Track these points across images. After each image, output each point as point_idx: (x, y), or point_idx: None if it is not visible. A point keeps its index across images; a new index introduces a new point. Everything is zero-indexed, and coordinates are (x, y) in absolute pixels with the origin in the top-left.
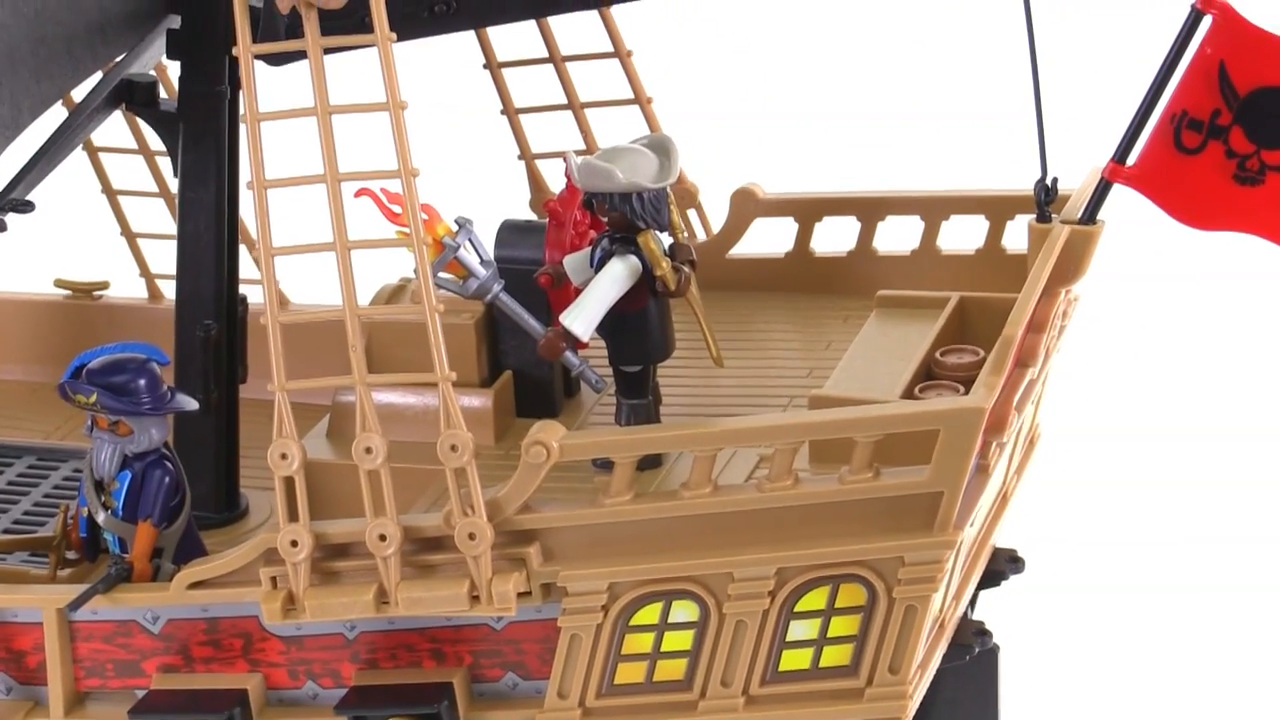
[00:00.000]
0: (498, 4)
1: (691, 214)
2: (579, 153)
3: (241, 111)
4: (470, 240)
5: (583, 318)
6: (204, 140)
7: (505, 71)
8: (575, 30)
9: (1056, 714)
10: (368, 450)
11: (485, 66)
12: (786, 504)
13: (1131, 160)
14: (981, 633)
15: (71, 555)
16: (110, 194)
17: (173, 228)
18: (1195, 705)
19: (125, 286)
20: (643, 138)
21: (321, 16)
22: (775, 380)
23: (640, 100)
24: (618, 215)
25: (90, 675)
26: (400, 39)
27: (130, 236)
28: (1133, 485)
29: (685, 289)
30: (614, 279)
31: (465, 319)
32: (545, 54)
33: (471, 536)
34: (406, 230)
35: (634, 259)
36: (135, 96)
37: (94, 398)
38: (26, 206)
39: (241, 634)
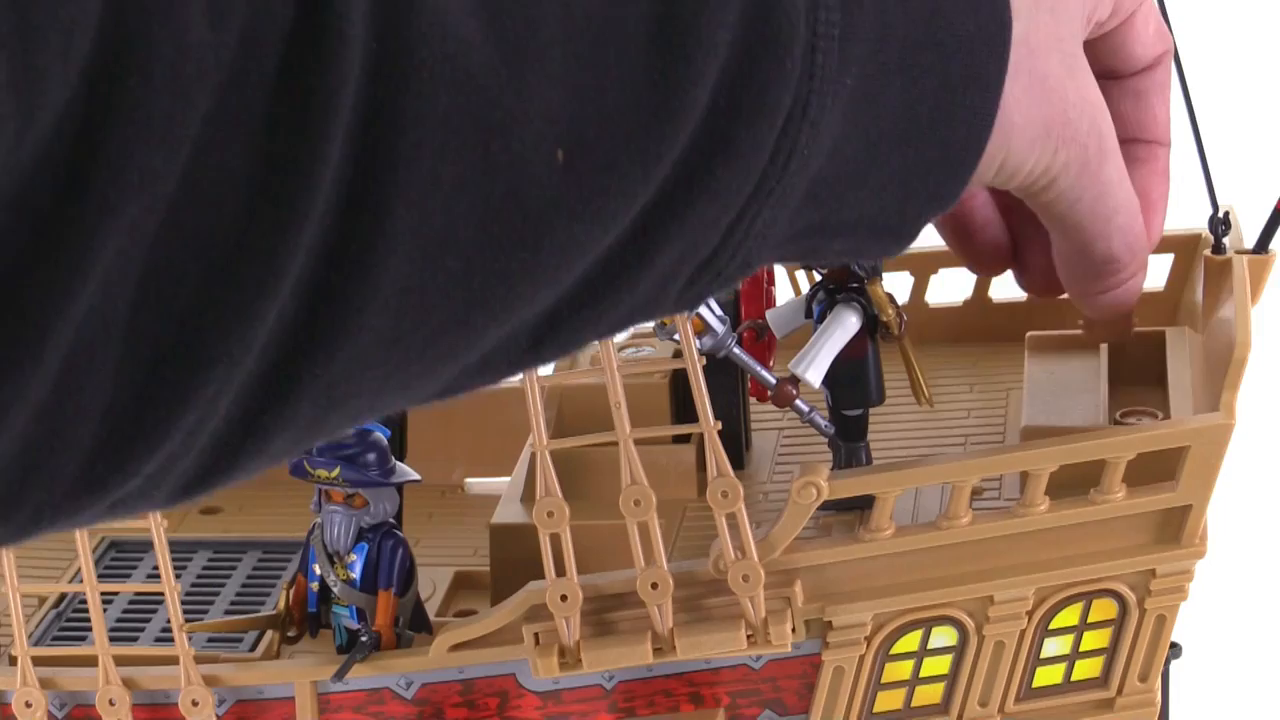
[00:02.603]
0: None
1: None
2: None
3: None
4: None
5: (815, 365)
6: None
7: None
8: None
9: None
10: (636, 503)
11: None
12: (1041, 526)
13: None
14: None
15: (291, 634)
16: None
17: None
18: None
19: None
20: None
21: None
22: (939, 422)
23: None
24: (840, 268)
25: None
26: None
27: None
28: None
29: (905, 333)
30: (844, 327)
31: (658, 378)
32: None
33: (745, 578)
34: None
35: (860, 307)
36: None
37: (336, 471)
38: None
39: (498, 692)
